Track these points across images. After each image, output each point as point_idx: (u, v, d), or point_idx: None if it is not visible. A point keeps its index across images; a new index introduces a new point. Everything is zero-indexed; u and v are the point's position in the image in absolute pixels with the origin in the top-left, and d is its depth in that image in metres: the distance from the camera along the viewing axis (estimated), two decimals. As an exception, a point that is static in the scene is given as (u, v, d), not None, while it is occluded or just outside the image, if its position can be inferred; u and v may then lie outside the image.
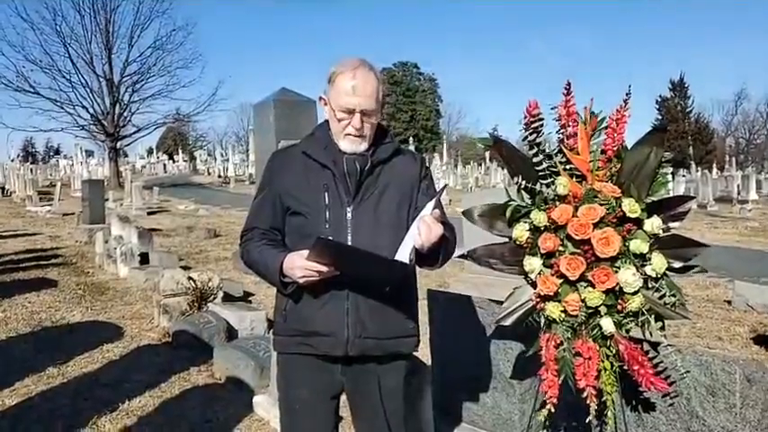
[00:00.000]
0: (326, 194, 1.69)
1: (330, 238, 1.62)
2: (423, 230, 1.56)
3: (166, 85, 28.61)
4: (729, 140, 51.44)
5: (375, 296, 1.67)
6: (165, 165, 38.37)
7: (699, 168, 29.87)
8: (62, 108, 27.14)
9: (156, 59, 28.29)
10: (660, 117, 44.89)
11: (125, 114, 28.61)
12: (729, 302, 6.07)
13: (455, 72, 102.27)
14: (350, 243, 1.66)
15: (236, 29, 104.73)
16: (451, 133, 58.34)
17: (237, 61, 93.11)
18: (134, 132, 29.85)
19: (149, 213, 15.96)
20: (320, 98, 1.78)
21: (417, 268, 1.72)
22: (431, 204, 1.61)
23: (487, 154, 36.71)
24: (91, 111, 27.80)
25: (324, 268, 1.58)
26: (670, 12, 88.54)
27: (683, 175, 24.79)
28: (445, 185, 1.94)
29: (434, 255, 1.64)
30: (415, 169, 1.80)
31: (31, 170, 29.55)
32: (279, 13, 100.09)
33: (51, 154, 58.80)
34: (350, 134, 1.69)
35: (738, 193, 21.16)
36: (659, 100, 47.64)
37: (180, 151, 44.75)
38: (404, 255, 1.58)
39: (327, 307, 1.68)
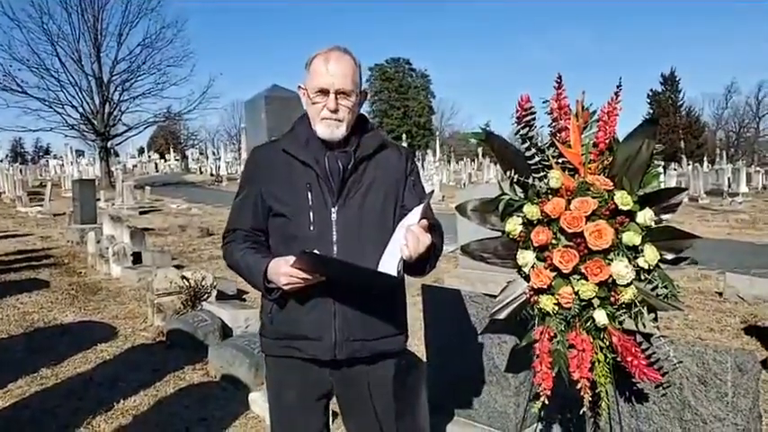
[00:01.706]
0: (310, 194, 1.64)
1: (318, 242, 1.58)
2: (410, 241, 1.50)
3: (156, 83, 28.54)
4: (720, 134, 51.79)
5: (361, 299, 1.63)
6: (156, 164, 38.24)
7: (690, 162, 30.03)
8: (51, 107, 27.00)
9: (145, 57, 28.19)
10: (651, 111, 45.12)
11: (115, 113, 28.45)
12: (720, 294, 6.13)
13: (448, 69, 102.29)
14: (335, 244, 1.62)
15: (227, 26, 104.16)
16: (444, 129, 58.41)
17: (229, 59, 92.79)
18: (124, 131, 29.72)
19: (141, 213, 15.87)
20: (299, 87, 1.72)
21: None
22: (418, 212, 1.56)
23: (480, 150, 36.78)
24: (80, 110, 27.66)
25: (309, 276, 1.54)
26: (661, 6, 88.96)
27: (675, 169, 24.91)
28: (432, 191, 1.90)
29: (422, 264, 1.60)
30: (401, 164, 1.75)
31: (21, 170, 29.29)
32: (271, 10, 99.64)
33: (41, 154, 58.33)
34: (325, 117, 1.63)
35: (729, 186, 21.30)
36: (650, 94, 47.92)
37: (171, 150, 44.52)
38: (391, 266, 1.54)
39: (314, 311, 1.64)
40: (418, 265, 1.58)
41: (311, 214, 1.64)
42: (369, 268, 1.55)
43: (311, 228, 1.63)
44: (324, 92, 1.62)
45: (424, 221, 1.55)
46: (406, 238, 1.51)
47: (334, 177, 1.65)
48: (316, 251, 1.53)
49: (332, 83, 1.61)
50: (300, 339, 1.67)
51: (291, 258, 1.54)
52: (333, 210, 1.65)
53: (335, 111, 1.62)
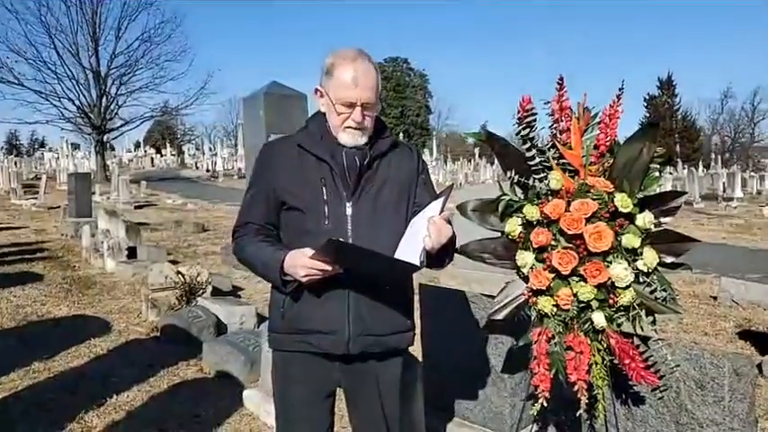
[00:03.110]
0: (324, 189, 1.65)
1: (333, 236, 1.56)
2: (433, 233, 1.53)
3: (154, 77, 28.32)
4: (715, 139, 51.96)
5: (375, 293, 1.64)
6: (152, 158, 38.08)
7: (685, 166, 30.15)
8: (47, 100, 26.74)
9: (143, 52, 27.92)
10: (648, 115, 45.29)
11: (112, 107, 28.25)
12: (715, 298, 6.15)
13: (445, 68, 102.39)
14: (350, 238, 1.63)
15: (225, 22, 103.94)
16: (441, 129, 58.44)
17: (227, 55, 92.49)
18: (121, 125, 29.51)
19: (136, 207, 15.81)
20: (316, 90, 1.72)
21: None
22: (439, 204, 1.58)
23: (477, 150, 36.84)
24: (77, 103, 27.43)
25: (329, 267, 1.53)
26: (658, 10, 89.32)
27: (670, 173, 25.02)
28: (452, 185, 1.93)
29: (442, 255, 1.62)
30: (413, 163, 1.78)
31: (16, 163, 29.12)
32: (270, 7, 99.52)
33: (36, 147, 57.94)
34: (350, 127, 1.65)
35: (724, 191, 21.37)
36: (647, 98, 48.05)
37: (168, 145, 44.33)
38: (414, 256, 1.54)
39: (328, 305, 1.64)
40: (439, 256, 1.61)
41: (326, 209, 1.64)
42: (392, 257, 1.56)
43: (326, 222, 1.64)
44: (350, 105, 1.63)
45: (446, 213, 1.57)
46: (429, 230, 1.53)
47: (351, 173, 1.66)
48: (331, 234, 1.54)
49: (359, 97, 1.62)
50: (314, 333, 1.66)
51: (309, 250, 1.54)
52: (348, 204, 1.65)
53: (361, 122, 1.64)
